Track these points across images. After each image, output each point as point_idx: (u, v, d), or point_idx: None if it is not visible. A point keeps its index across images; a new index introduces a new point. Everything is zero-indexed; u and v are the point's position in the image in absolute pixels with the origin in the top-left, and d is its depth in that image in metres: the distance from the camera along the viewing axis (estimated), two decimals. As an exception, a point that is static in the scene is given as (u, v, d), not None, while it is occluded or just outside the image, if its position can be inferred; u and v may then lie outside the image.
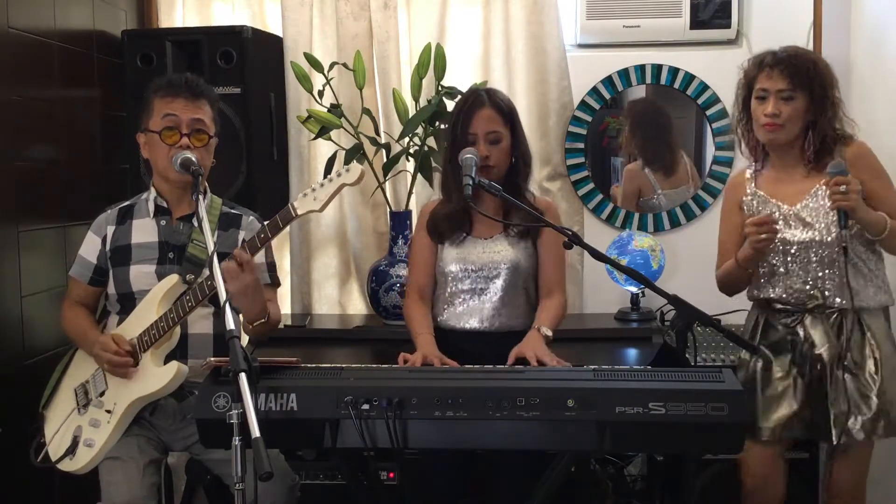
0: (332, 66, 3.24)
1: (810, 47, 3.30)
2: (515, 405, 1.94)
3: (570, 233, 2.23)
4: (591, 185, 3.58)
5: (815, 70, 2.40)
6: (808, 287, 2.45)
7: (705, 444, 2.04)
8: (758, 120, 2.44)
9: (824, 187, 2.37)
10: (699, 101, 3.50)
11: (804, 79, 2.38)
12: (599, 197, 3.58)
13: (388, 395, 1.95)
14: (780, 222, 2.45)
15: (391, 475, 2.85)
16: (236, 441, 1.75)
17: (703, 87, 3.49)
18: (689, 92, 3.50)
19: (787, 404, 2.46)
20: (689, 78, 3.49)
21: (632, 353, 3.09)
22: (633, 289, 3.38)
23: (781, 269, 2.49)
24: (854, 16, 3.26)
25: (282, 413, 1.97)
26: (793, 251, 2.46)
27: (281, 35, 3.50)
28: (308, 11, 3.49)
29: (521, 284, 2.53)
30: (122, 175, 3.33)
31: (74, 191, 3.08)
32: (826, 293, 2.44)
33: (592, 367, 2.11)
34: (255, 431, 1.69)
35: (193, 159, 2.36)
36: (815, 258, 2.44)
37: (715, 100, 3.48)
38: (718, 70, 3.46)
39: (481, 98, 2.50)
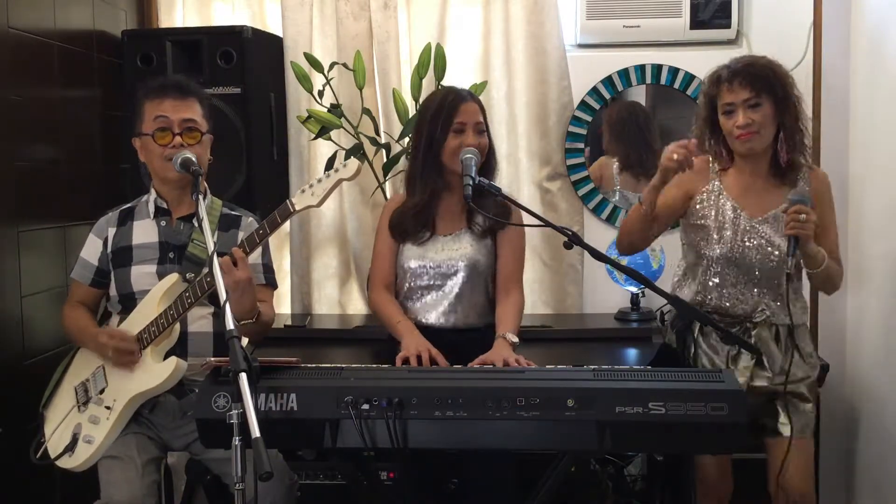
0: (332, 66, 3.25)
1: (810, 48, 3.31)
2: (515, 405, 1.94)
3: (570, 233, 2.23)
4: (590, 185, 3.58)
5: (774, 74, 2.43)
6: (756, 301, 2.48)
7: (705, 444, 2.04)
8: (731, 133, 2.45)
9: (782, 214, 2.37)
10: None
11: (766, 84, 2.40)
12: (599, 197, 3.58)
13: (388, 395, 1.96)
14: (740, 232, 2.47)
15: (391, 475, 2.84)
16: (236, 441, 1.75)
17: (703, 87, 3.49)
18: (689, 92, 3.50)
19: None
20: (689, 78, 3.49)
21: (632, 353, 3.09)
22: (633, 289, 3.38)
23: (731, 281, 2.50)
24: (854, 16, 3.26)
25: (282, 413, 1.98)
26: (747, 264, 2.47)
27: (281, 35, 3.50)
28: (308, 11, 3.49)
29: (480, 281, 2.56)
30: (122, 175, 3.33)
31: (74, 191, 3.08)
32: (773, 310, 2.48)
33: (592, 367, 2.11)
34: (255, 431, 1.69)
35: (193, 159, 2.37)
36: (765, 275, 2.47)
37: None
38: (718, 70, 3.46)
39: (462, 94, 2.55)
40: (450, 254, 2.54)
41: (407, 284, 2.59)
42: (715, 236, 2.49)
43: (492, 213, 2.43)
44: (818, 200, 2.44)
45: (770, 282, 2.47)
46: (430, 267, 2.55)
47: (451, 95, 2.54)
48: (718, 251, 2.49)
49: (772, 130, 2.45)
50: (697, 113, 2.57)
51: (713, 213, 2.51)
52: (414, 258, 2.56)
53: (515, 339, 2.42)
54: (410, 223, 2.56)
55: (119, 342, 2.36)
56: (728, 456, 2.57)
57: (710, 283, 2.52)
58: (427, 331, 2.51)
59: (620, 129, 3.57)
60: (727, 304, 2.51)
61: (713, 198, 2.53)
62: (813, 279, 2.48)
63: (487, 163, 2.57)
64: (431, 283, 2.55)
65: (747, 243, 2.47)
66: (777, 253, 2.45)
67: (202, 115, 2.50)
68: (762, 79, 2.41)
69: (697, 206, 2.54)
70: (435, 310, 2.56)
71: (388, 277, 2.61)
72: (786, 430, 2.47)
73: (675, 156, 2.36)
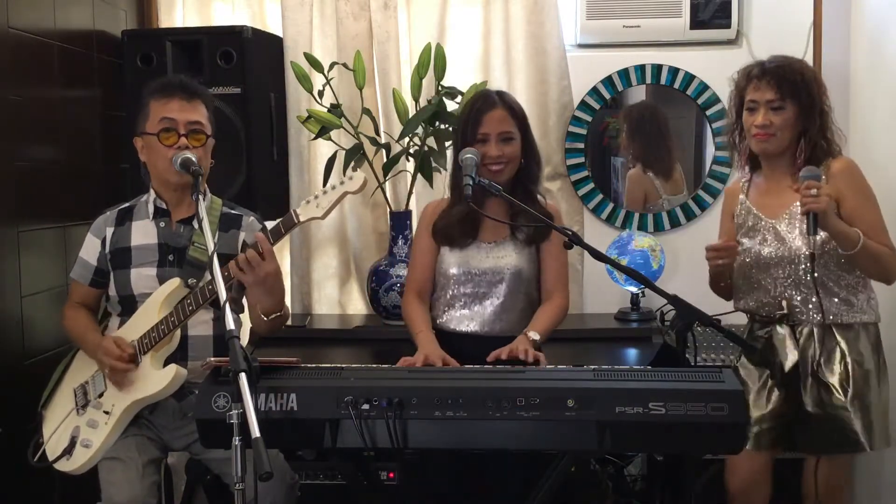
0: (332, 66, 3.24)
1: (810, 48, 3.31)
2: (515, 405, 1.93)
3: (570, 233, 2.23)
4: (591, 185, 3.58)
5: (803, 79, 2.40)
6: (776, 300, 2.48)
7: (705, 444, 2.04)
8: (749, 130, 2.46)
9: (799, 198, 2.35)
10: (699, 102, 3.50)
11: (792, 88, 2.39)
12: (599, 197, 3.58)
13: (388, 395, 1.95)
14: (759, 235, 2.48)
15: (391, 475, 2.84)
16: (236, 441, 1.75)
17: (703, 87, 3.49)
18: (689, 92, 3.50)
19: (757, 406, 2.49)
20: (689, 78, 3.49)
21: (632, 353, 3.09)
22: (633, 289, 3.38)
23: (754, 282, 2.52)
24: (854, 16, 3.26)
25: (282, 413, 1.97)
26: (764, 264, 2.48)
27: (281, 35, 3.50)
28: (308, 11, 3.49)
29: (524, 290, 2.53)
30: (122, 175, 3.33)
31: (74, 191, 3.08)
32: (794, 307, 2.45)
33: (592, 367, 2.10)
34: (255, 431, 1.69)
35: (193, 159, 2.36)
36: (782, 273, 2.46)
37: (715, 100, 3.48)
38: (718, 70, 3.44)
39: (492, 99, 2.50)
40: (495, 262, 2.50)
41: (450, 291, 2.54)
42: (743, 243, 2.52)
43: (534, 221, 2.39)
44: (842, 190, 2.38)
45: (790, 278, 2.45)
46: (475, 275, 2.50)
47: (479, 103, 2.49)
48: (743, 257, 2.51)
49: (790, 135, 2.43)
50: (729, 104, 2.57)
51: (742, 223, 2.56)
52: (456, 265, 2.51)
53: (536, 337, 2.38)
54: (457, 230, 2.51)
55: (115, 362, 2.35)
56: (762, 456, 2.51)
57: (742, 288, 2.55)
58: (471, 339, 2.49)
59: (645, 135, 3.57)
60: (754, 306, 2.52)
61: (743, 210, 2.57)
62: (856, 261, 2.37)
63: (528, 168, 2.53)
64: (476, 290, 2.51)
65: (765, 244, 2.48)
66: (790, 250, 2.43)
67: (207, 118, 2.49)
68: (790, 82, 2.38)
69: (736, 224, 2.59)
70: (479, 318, 2.51)
71: (424, 284, 2.57)
72: (813, 451, 2.43)
73: (721, 261, 2.43)
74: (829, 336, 2.43)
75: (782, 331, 2.47)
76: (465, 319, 2.53)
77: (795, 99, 2.39)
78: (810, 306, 2.43)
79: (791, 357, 2.45)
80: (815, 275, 2.37)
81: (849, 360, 2.41)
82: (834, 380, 2.40)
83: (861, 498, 3.15)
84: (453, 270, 2.52)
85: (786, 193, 2.46)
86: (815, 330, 2.44)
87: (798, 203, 2.38)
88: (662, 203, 3.58)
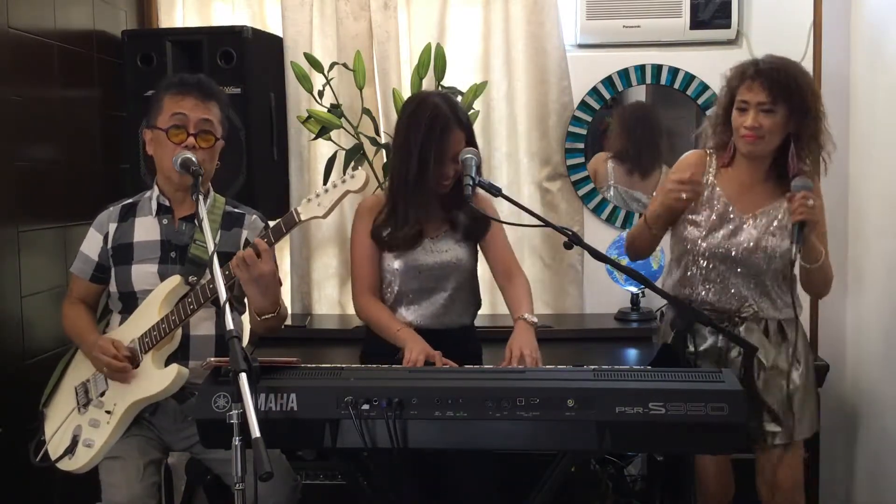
0: (332, 66, 3.24)
1: (810, 48, 3.31)
2: (515, 405, 1.94)
3: (570, 233, 2.23)
4: (590, 185, 3.58)
5: (797, 84, 2.37)
6: (743, 296, 2.47)
7: (705, 444, 2.04)
8: (737, 130, 2.43)
9: (785, 203, 2.36)
10: (699, 102, 3.50)
11: (785, 92, 2.35)
12: (599, 197, 3.58)
13: (388, 395, 1.95)
14: (729, 227, 2.46)
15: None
16: (236, 441, 1.75)
17: (703, 87, 3.49)
18: (689, 92, 3.50)
19: None
20: (689, 78, 3.49)
21: (632, 353, 3.09)
22: (633, 289, 3.38)
23: (718, 275, 2.49)
24: (854, 16, 3.26)
25: (282, 413, 1.97)
26: (736, 259, 2.46)
27: (281, 35, 3.50)
28: (308, 11, 3.49)
29: (468, 280, 2.57)
30: (122, 175, 3.33)
31: (74, 191, 3.08)
32: (760, 305, 2.47)
33: (592, 367, 2.10)
34: (255, 431, 1.69)
35: (193, 159, 2.35)
36: (752, 271, 2.46)
37: (715, 100, 3.47)
38: (718, 70, 3.39)
39: (450, 122, 2.41)
40: (439, 256, 2.51)
41: (396, 287, 2.53)
42: (703, 231, 2.48)
43: (470, 216, 2.45)
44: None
45: (757, 278, 2.46)
46: (420, 271, 2.50)
47: (440, 122, 2.39)
48: (705, 245, 2.47)
49: (778, 138, 2.41)
50: (718, 99, 2.55)
51: (705, 209, 2.50)
52: (401, 260, 2.50)
53: (535, 319, 2.41)
54: (400, 240, 2.48)
55: (111, 360, 2.34)
56: (727, 457, 2.56)
57: (696, 277, 2.51)
58: (421, 333, 2.46)
59: (632, 128, 3.58)
60: (713, 298, 2.49)
61: (707, 193, 2.50)
62: (810, 275, 2.42)
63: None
64: (423, 286, 2.52)
65: (735, 239, 2.46)
66: (764, 251, 2.43)
67: (219, 120, 2.47)
68: (783, 87, 2.35)
69: (701, 201, 2.52)
70: (430, 312, 2.53)
71: (374, 282, 2.54)
72: (772, 438, 2.45)
73: (684, 195, 2.40)
74: (781, 331, 2.48)
75: (753, 327, 2.47)
76: (416, 314, 2.53)
77: (787, 103, 2.36)
78: (769, 303, 2.46)
79: (768, 353, 2.46)
80: (793, 283, 2.42)
81: (801, 355, 2.47)
82: (790, 374, 2.45)
83: (861, 497, 3.15)
84: (396, 265, 2.51)
85: (760, 192, 2.47)
86: (769, 324, 2.48)
87: (774, 206, 2.42)
88: (609, 189, 3.58)
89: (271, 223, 2.35)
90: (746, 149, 2.44)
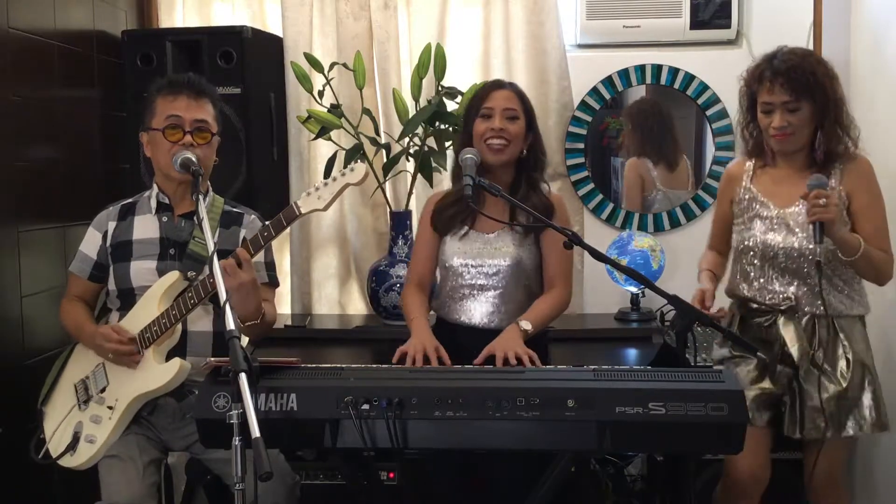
0: (332, 66, 3.24)
1: (810, 47, 3.30)
2: (515, 405, 1.94)
3: (570, 233, 2.23)
4: (591, 185, 3.58)
5: (815, 78, 2.39)
6: (781, 291, 2.48)
7: (705, 444, 2.04)
8: (766, 131, 2.46)
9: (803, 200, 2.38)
10: (699, 102, 3.50)
11: (806, 88, 2.38)
12: (599, 197, 3.58)
13: (388, 395, 1.95)
14: (766, 223, 2.49)
15: (391, 475, 2.85)
16: (236, 441, 1.75)
17: (703, 87, 3.49)
18: (689, 92, 3.50)
19: (753, 389, 2.51)
20: (689, 78, 3.49)
21: (632, 353, 3.09)
22: (633, 289, 3.38)
23: (758, 271, 2.52)
24: (854, 16, 3.26)
25: (282, 413, 1.97)
26: (771, 255, 2.49)
27: (281, 35, 3.50)
28: (308, 11, 3.49)
29: (523, 282, 2.53)
30: (122, 175, 3.33)
31: (74, 191, 3.08)
32: (800, 299, 2.47)
33: (592, 367, 2.10)
34: (255, 431, 1.69)
35: (193, 159, 2.36)
36: (791, 265, 2.47)
37: (715, 100, 3.48)
38: (718, 70, 3.46)
39: (501, 82, 2.59)
40: (493, 252, 2.50)
41: (450, 283, 2.55)
42: (746, 229, 2.53)
43: (534, 212, 2.38)
44: (855, 188, 2.43)
45: (798, 271, 2.46)
46: (473, 266, 2.50)
47: (488, 84, 2.58)
48: (747, 242, 2.52)
49: (809, 130, 2.43)
50: (741, 102, 2.56)
51: (745, 210, 2.56)
52: (456, 255, 2.52)
53: (528, 327, 2.37)
54: (450, 211, 2.52)
55: (117, 345, 2.35)
56: (762, 445, 2.52)
57: (742, 274, 2.55)
58: (471, 331, 2.49)
59: (648, 128, 3.57)
60: (756, 294, 2.52)
61: (747, 196, 2.56)
62: (855, 266, 2.41)
63: (532, 155, 2.55)
64: (475, 282, 2.51)
65: (772, 233, 2.48)
66: (798, 242, 2.44)
67: (213, 117, 2.50)
68: (803, 84, 2.37)
69: (736, 209, 2.59)
70: (479, 310, 2.51)
71: (424, 274, 2.58)
72: (810, 433, 2.44)
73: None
74: (831, 328, 2.45)
75: (788, 320, 2.47)
76: (465, 311, 2.53)
77: (810, 98, 2.38)
78: (813, 298, 2.44)
79: (793, 345, 2.45)
80: (822, 282, 2.39)
81: (850, 351, 2.43)
82: (835, 370, 2.43)
83: (861, 497, 3.15)
84: (453, 262, 2.53)
85: (798, 185, 2.46)
86: (817, 320, 2.46)
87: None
88: (656, 195, 3.58)
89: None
90: (779, 147, 2.48)
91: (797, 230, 2.45)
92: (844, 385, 2.42)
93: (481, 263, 2.50)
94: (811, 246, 2.39)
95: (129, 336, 2.37)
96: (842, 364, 2.44)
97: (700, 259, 2.72)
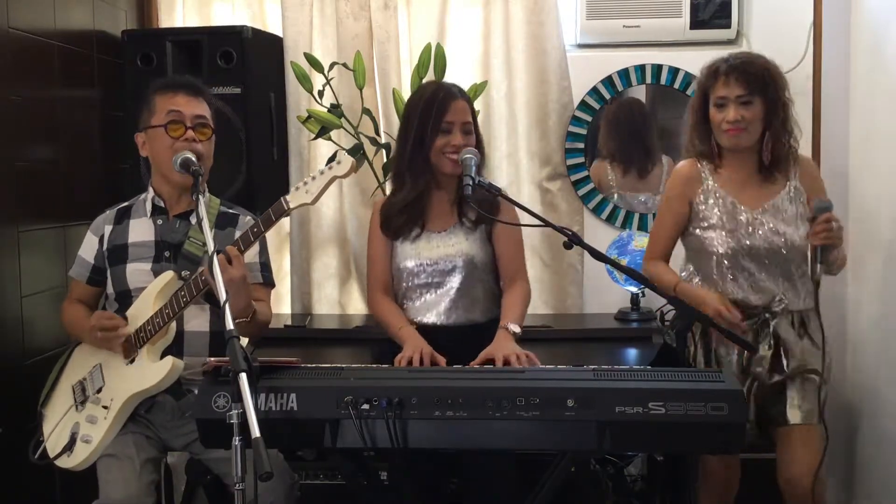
0: (332, 66, 3.24)
1: (810, 48, 3.31)
2: (515, 405, 1.93)
3: (569, 233, 2.23)
4: (591, 185, 3.58)
5: (770, 75, 2.47)
6: (769, 291, 2.51)
7: (705, 444, 2.04)
8: (719, 126, 2.51)
9: (783, 191, 2.49)
10: (699, 102, 3.50)
11: (760, 84, 2.45)
12: (599, 197, 3.58)
13: (388, 395, 1.95)
14: (744, 224, 2.51)
15: (391, 475, 2.84)
16: (236, 441, 1.75)
17: (703, 87, 3.49)
18: (689, 92, 3.49)
19: None
20: (690, 78, 3.49)
21: (632, 353, 3.09)
22: (633, 289, 3.37)
23: (738, 273, 2.53)
24: (854, 16, 3.26)
25: (282, 413, 1.97)
26: (753, 255, 2.50)
27: (281, 35, 3.50)
28: (308, 11, 3.49)
29: (478, 277, 2.55)
30: (122, 175, 3.33)
31: (74, 191, 3.08)
32: (784, 298, 2.51)
33: (592, 367, 2.10)
34: (255, 431, 1.69)
35: (193, 158, 2.37)
36: (776, 265, 2.50)
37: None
38: (718, 70, 3.46)
39: (453, 91, 2.53)
40: (445, 250, 2.52)
41: (404, 284, 2.57)
42: (723, 233, 2.52)
43: (481, 208, 2.40)
44: (810, 185, 2.55)
45: (783, 269, 2.51)
46: (427, 265, 2.52)
47: (441, 93, 2.51)
48: (727, 246, 2.52)
49: (759, 128, 2.50)
50: (691, 103, 2.62)
51: (716, 212, 2.54)
52: (409, 257, 2.53)
53: (517, 330, 2.39)
54: (400, 218, 2.53)
55: (102, 320, 2.37)
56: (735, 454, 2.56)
57: (726, 280, 2.54)
58: (428, 330, 2.50)
59: (616, 128, 3.57)
60: (742, 296, 2.53)
61: (712, 198, 2.56)
62: (828, 273, 2.50)
63: (481, 154, 2.54)
64: (430, 280, 2.53)
65: (754, 235, 2.50)
66: (783, 240, 2.48)
67: (210, 115, 2.53)
68: (758, 78, 2.45)
69: (700, 208, 2.57)
70: (435, 308, 2.54)
71: (386, 280, 2.59)
72: (795, 417, 2.48)
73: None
74: (808, 321, 2.54)
75: (784, 321, 2.51)
76: (423, 310, 2.54)
77: (763, 94, 2.46)
78: (792, 295, 2.52)
79: (796, 349, 2.50)
80: (799, 286, 2.50)
81: (825, 340, 2.52)
82: (812, 358, 2.51)
83: (861, 497, 3.15)
84: (407, 263, 2.54)
85: (760, 186, 2.54)
86: (794, 316, 2.53)
87: (778, 197, 2.51)
88: (612, 197, 3.57)
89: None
90: (731, 143, 2.51)
91: (777, 230, 2.49)
92: (817, 376, 2.50)
93: (436, 261, 2.52)
94: (796, 244, 2.46)
95: (122, 324, 2.38)
96: (813, 360, 2.51)
97: (656, 274, 2.62)
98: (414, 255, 2.53)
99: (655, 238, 2.66)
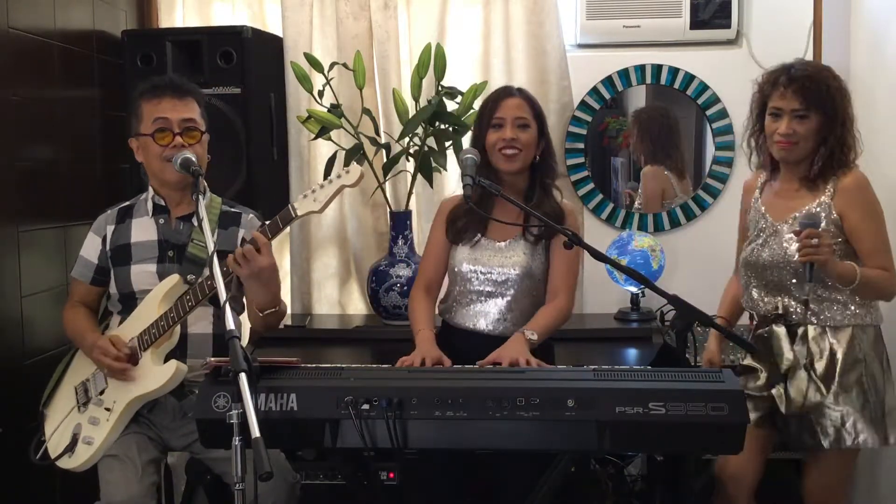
0: (332, 66, 3.24)
1: (810, 48, 3.31)
2: (515, 405, 1.93)
3: (570, 233, 2.23)
4: (591, 185, 3.58)
5: (829, 90, 2.39)
6: (771, 301, 2.49)
7: (705, 444, 2.04)
8: (771, 137, 2.45)
9: (794, 236, 2.36)
10: (699, 102, 3.50)
11: (818, 99, 2.37)
12: (599, 197, 3.58)
13: (388, 395, 1.95)
14: (762, 237, 2.50)
15: (391, 475, 2.84)
16: (236, 441, 1.75)
17: (703, 87, 3.49)
18: (689, 92, 3.50)
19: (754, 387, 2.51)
20: (689, 78, 3.49)
21: (632, 353, 3.09)
22: (633, 289, 3.38)
23: (751, 281, 2.54)
24: (854, 16, 3.26)
25: (282, 413, 1.97)
26: (760, 265, 2.49)
27: (281, 35, 3.50)
28: (308, 11, 3.49)
29: (532, 290, 2.53)
30: (122, 175, 3.33)
31: (74, 191, 3.08)
32: (788, 309, 2.46)
33: (592, 367, 2.10)
34: (255, 431, 1.69)
35: (193, 158, 2.37)
36: (776, 277, 2.47)
37: (715, 100, 3.48)
38: (718, 70, 3.46)
39: (510, 89, 2.56)
40: (503, 261, 2.50)
41: (458, 287, 2.55)
42: (749, 244, 2.54)
43: (546, 218, 2.36)
44: (847, 206, 2.40)
45: (787, 283, 2.45)
46: (482, 272, 2.50)
47: (498, 92, 2.55)
48: (744, 255, 2.54)
49: (812, 144, 2.42)
50: (751, 108, 2.56)
51: (751, 222, 2.57)
52: (466, 261, 2.52)
53: (534, 337, 2.37)
54: (463, 220, 2.52)
55: (112, 361, 2.35)
56: (757, 439, 2.50)
57: (743, 286, 2.57)
58: (477, 337, 2.49)
59: (655, 135, 3.56)
60: (751, 305, 2.54)
61: (753, 210, 2.57)
62: (854, 293, 2.39)
63: (544, 161, 2.55)
64: (483, 288, 2.51)
65: (765, 247, 2.49)
66: (784, 254, 2.44)
67: (200, 115, 2.50)
68: (816, 93, 2.37)
69: (747, 221, 2.60)
70: (485, 316, 2.52)
71: (433, 279, 2.58)
72: (824, 442, 2.40)
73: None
74: (823, 337, 2.43)
75: (779, 330, 2.47)
76: (472, 317, 2.53)
77: (820, 109, 2.38)
78: (801, 310, 2.45)
79: (787, 355, 2.45)
80: (811, 305, 2.43)
81: (838, 359, 2.40)
82: (817, 378, 2.41)
83: (860, 497, 3.15)
84: (462, 267, 2.53)
85: (795, 198, 2.47)
86: (811, 330, 2.44)
87: (804, 209, 2.42)
88: (677, 200, 3.58)
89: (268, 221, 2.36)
90: (780, 155, 2.46)
91: (784, 242, 2.44)
92: (820, 397, 2.39)
93: (490, 270, 2.50)
94: (801, 283, 2.39)
95: (127, 348, 2.37)
96: (819, 376, 2.41)
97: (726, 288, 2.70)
98: (470, 260, 2.52)
99: (737, 252, 2.68)
